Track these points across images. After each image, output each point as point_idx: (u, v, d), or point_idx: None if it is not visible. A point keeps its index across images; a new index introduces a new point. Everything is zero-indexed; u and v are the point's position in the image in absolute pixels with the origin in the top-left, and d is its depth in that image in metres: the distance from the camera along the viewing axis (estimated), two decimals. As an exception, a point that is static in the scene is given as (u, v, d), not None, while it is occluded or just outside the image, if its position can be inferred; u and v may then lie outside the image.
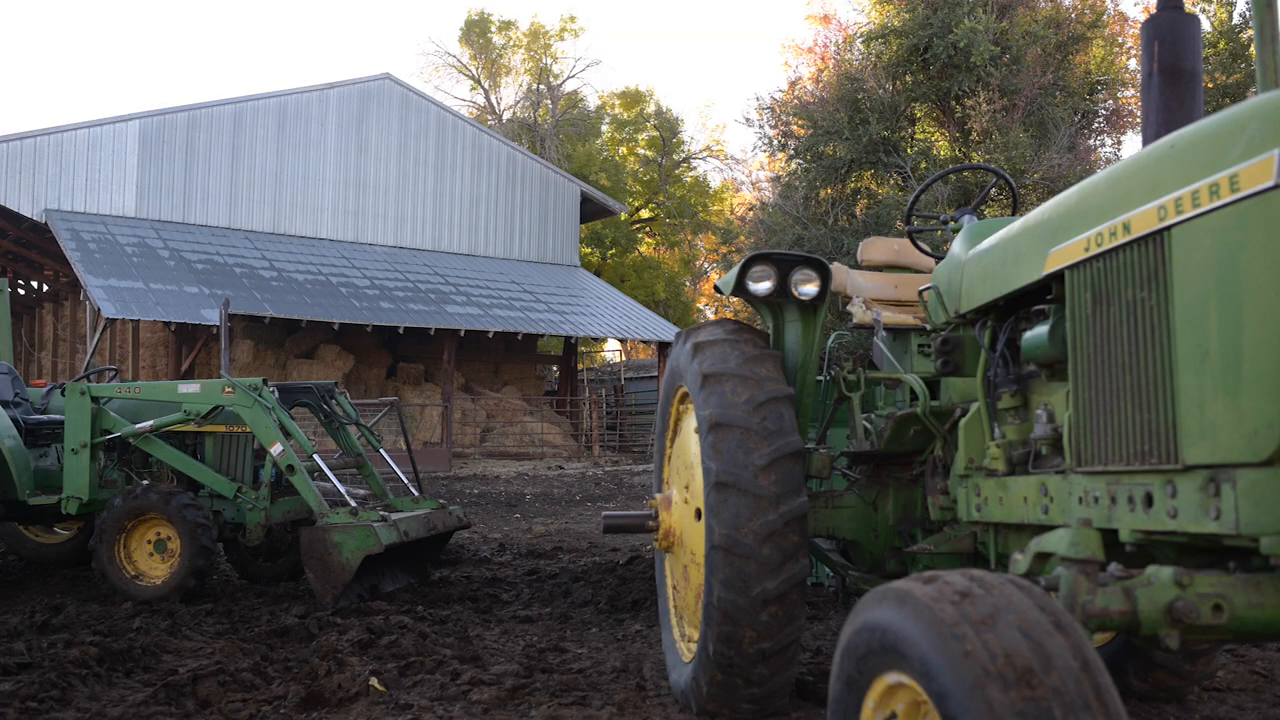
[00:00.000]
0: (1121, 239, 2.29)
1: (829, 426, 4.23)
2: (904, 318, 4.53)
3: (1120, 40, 24.57)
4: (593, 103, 41.01)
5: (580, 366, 31.18)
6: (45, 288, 27.70)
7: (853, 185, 22.55)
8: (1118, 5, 33.92)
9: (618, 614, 5.74)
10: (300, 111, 23.94)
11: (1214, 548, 2.11)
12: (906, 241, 4.87)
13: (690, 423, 3.89)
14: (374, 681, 4.07)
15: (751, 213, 26.90)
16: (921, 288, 3.78)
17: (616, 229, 36.38)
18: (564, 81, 39.75)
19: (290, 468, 6.07)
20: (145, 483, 6.52)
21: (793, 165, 23.68)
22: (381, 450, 7.52)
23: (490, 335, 21.78)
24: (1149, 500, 2.17)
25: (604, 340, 32.96)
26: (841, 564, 4.10)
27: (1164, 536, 2.17)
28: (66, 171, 21.40)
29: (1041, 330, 2.75)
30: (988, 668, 1.54)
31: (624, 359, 35.39)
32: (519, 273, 25.91)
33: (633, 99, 41.10)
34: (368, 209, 24.84)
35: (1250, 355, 1.91)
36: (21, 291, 28.23)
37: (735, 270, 3.72)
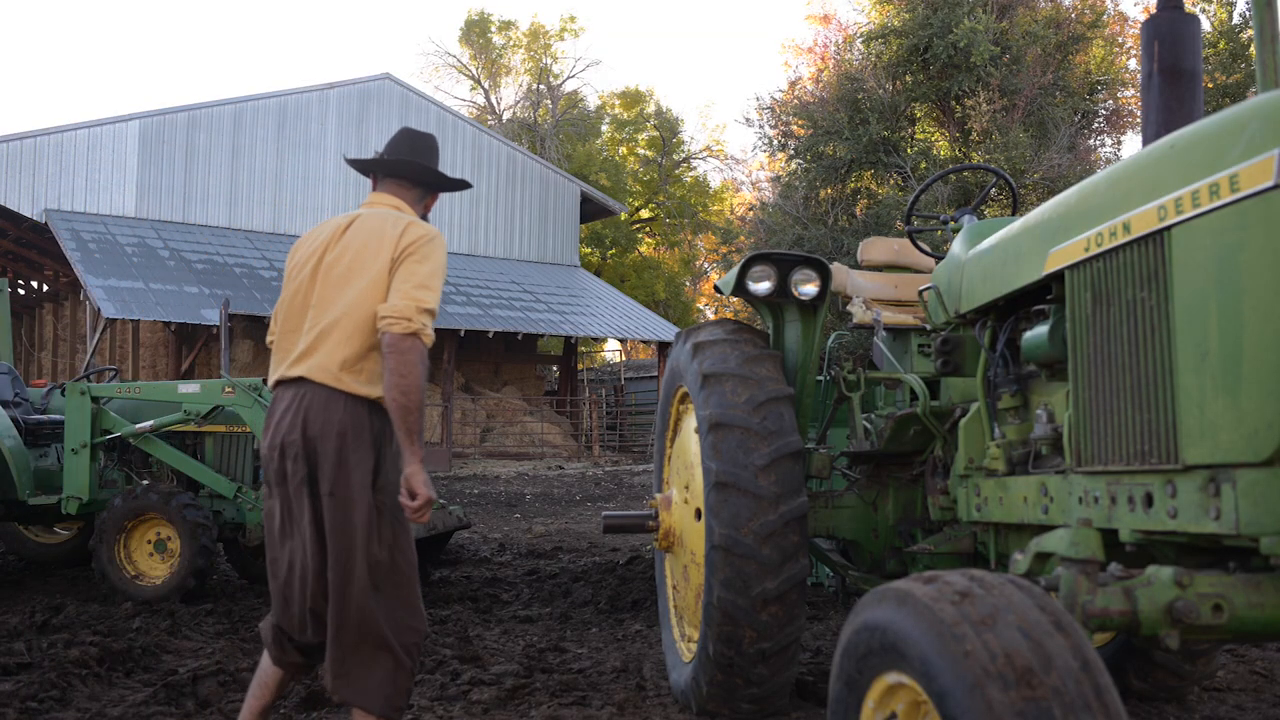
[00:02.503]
0: (1121, 239, 2.29)
1: (829, 426, 4.23)
2: (904, 318, 4.53)
3: (1120, 40, 24.56)
4: (593, 103, 41.03)
5: (580, 366, 31.18)
6: (45, 288, 27.69)
7: (853, 185, 22.54)
8: (1118, 5, 33.93)
9: (618, 614, 5.74)
10: (300, 111, 23.93)
11: (1214, 548, 2.11)
12: (906, 241, 4.87)
13: (690, 423, 3.89)
14: (374, 681, 4.07)
15: (751, 213, 26.89)
16: (921, 288, 3.78)
17: (616, 229, 36.36)
18: (564, 81, 39.76)
19: (290, 468, 6.06)
20: (145, 483, 6.52)
21: (793, 165, 23.66)
22: (381, 450, 7.51)
23: (490, 335, 21.77)
24: (1149, 500, 2.17)
25: (604, 340, 32.95)
26: (841, 564, 4.10)
27: (1164, 536, 2.17)
28: (66, 171, 21.40)
29: (1041, 330, 2.75)
30: (988, 668, 1.54)
31: (624, 359, 35.39)
32: (519, 273, 25.91)
33: (633, 99, 41.09)
34: (368, 209, 24.81)
35: (1250, 355, 1.91)
36: (21, 291, 28.22)
37: (735, 270, 3.72)
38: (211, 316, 18.30)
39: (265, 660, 2.91)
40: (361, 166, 3.06)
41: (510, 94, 40.79)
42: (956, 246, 3.48)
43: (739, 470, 3.28)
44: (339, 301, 2.74)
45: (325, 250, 2.83)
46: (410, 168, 3.01)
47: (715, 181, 42.11)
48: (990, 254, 3.09)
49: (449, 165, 25.91)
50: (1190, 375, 2.05)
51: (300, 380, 2.73)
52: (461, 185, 3.21)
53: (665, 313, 34.69)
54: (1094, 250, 2.40)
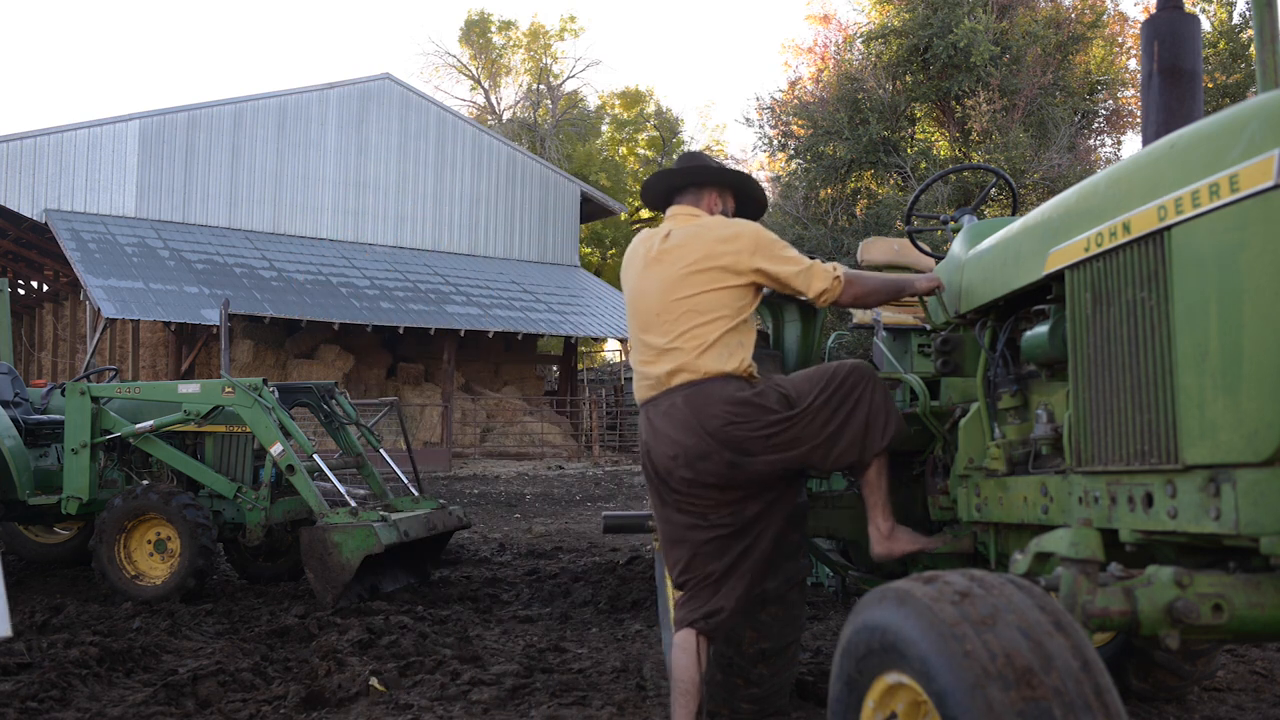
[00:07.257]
0: (1121, 239, 2.28)
1: (829, 426, 4.21)
2: (904, 318, 4.53)
3: (1120, 40, 24.57)
4: (593, 103, 41.03)
5: (580, 366, 31.18)
6: (45, 288, 27.71)
7: (853, 185, 22.55)
8: (1118, 5, 33.92)
9: (618, 614, 5.74)
10: (300, 111, 23.93)
11: (1214, 548, 2.11)
12: (906, 241, 4.87)
13: (690, 423, 3.88)
14: (374, 681, 4.08)
15: (751, 213, 26.83)
16: (921, 288, 3.76)
17: (616, 229, 36.36)
18: (564, 81, 39.77)
19: (290, 468, 6.07)
20: (145, 483, 6.52)
21: (793, 165, 23.67)
22: (381, 450, 7.51)
23: (490, 335, 21.77)
24: (1149, 500, 2.17)
25: (604, 340, 32.94)
26: (841, 564, 4.10)
27: (1164, 536, 2.17)
28: (66, 171, 21.40)
29: (1041, 330, 2.75)
30: (988, 668, 1.54)
31: (624, 359, 35.37)
32: (519, 273, 25.91)
33: (633, 99, 41.10)
34: (368, 209, 24.84)
35: (1250, 355, 1.91)
36: (21, 291, 28.24)
37: (735, 270, 3.71)
38: (211, 316, 18.30)
39: (679, 660, 3.14)
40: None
41: (510, 94, 40.83)
42: (956, 246, 3.48)
43: (739, 470, 3.27)
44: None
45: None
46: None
47: (715, 182, 42.05)
48: (990, 254, 3.09)
49: (449, 165, 25.97)
50: (1190, 375, 2.05)
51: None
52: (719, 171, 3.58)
53: (665, 313, 34.59)
54: (1094, 250, 2.40)
